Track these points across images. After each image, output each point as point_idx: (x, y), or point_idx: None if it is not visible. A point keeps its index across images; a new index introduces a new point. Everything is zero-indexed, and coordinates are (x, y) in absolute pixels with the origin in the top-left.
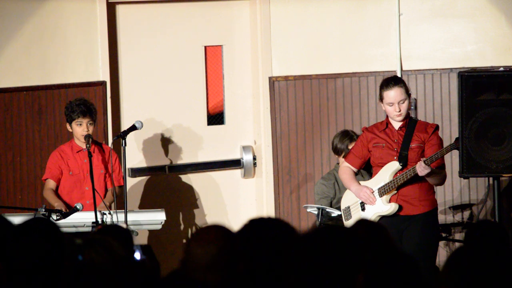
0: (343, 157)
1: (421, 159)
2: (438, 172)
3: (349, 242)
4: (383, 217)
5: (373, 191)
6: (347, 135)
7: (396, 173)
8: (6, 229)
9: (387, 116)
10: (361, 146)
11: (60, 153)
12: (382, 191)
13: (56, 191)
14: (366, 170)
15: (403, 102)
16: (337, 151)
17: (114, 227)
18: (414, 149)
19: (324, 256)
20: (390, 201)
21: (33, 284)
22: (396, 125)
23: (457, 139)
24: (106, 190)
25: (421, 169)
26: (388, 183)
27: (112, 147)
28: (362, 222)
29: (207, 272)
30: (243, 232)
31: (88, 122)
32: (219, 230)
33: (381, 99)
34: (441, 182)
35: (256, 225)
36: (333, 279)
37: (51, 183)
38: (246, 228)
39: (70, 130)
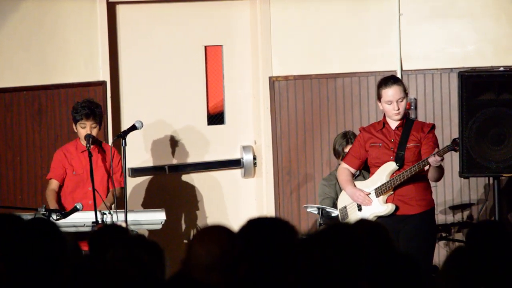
0: (341, 159)
1: (435, 151)
2: (440, 166)
3: (351, 243)
4: (379, 218)
5: (368, 194)
6: (345, 138)
7: (393, 174)
8: (9, 228)
9: (384, 116)
10: (358, 146)
11: (64, 153)
12: (379, 191)
13: (59, 191)
14: (367, 170)
15: (402, 101)
16: (335, 153)
17: (113, 226)
18: (411, 149)
19: (325, 256)
20: (386, 201)
21: (34, 284)
22: (393, 124)
23: (454, 140)
24: (109, 191)
25: (436, 160)
26: (385, 183)
27: (112, 147)
28: (362, 222)
29: (209, 273)
30: (242, 232)
31: (92, 124)
32: (221, 231)
33: (379, 97)
34: (441, 176)
35: (254, 225)
36: (334, 279)
37: (54, 184)
38: (245, 228)
39: (76, 131)
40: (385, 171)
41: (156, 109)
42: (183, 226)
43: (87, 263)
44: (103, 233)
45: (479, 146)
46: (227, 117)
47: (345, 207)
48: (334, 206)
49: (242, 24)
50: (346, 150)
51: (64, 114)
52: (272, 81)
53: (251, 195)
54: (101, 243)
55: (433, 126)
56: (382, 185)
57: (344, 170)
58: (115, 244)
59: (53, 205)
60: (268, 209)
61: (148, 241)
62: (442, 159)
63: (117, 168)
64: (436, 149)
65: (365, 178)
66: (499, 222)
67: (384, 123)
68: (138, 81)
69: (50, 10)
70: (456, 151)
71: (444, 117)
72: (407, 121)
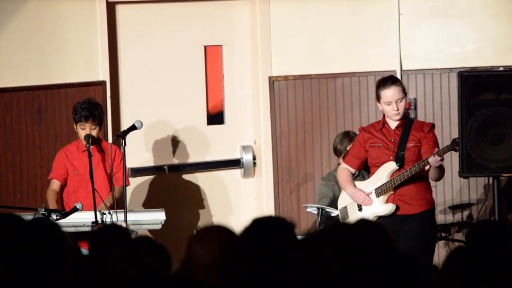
0: (342, 158)
1: (435, 150)
2: (441, 166)
3: (351, 243)
4: (380, 218)
5: (369, 194)
6: (347, 136)
7: (393, 174)
8: (9, 228)
9: (383, 116)
10: (358, 146)
11: (66, 153)
12: (379, 191)
13: (62, 191)
14: (367, 170)
15: (401, 101)
16: (336, 152)
17: (114, 226)
18: (411, 148)
19: (325, 256)
20: (387, 201)
21: (34, 284)
22: (393, 124)
23: (454, 140)
24: (112, 190)
25: (436, 160)
26: (385, 183)
27: (113, 145)
28: (362, 222)
29: (209, 272)
30: (247, 232)
31: (91, 126)
32: (221, 230)
33: (378, 98)
34: (442, 176)
35: (260, 225)
36: (334, 279)
37: (55, 184)
38: (250, 227)
39: (76, 131)
40: (385, 171)
41: (156, 109)
42: (183, 226)
43: (87, 263)
44: (103, 233)
45: (479, 146)
46: (227, 117)
47: (345, 207)
48: (332, 205)
49: (242, 24)
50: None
51: (64, 114)
52: (272, 81)
53: (251, 195)
54: (101, 243)
55: (432, 126)
56: (383, 185)
57: (344, 170)
58: (115, 244)
59: (52, 205)
60: (268, 209)
61: (154, 244)
62: (442, 159)
63: (120, 167)
64: (436, 149)
65: (364, 178)
66: (499, 222)
67: (384, 123)
68: (138, 81)
69: (50, 10)
70: (456, 151)
71: (444, 117)
72: (407, 121)
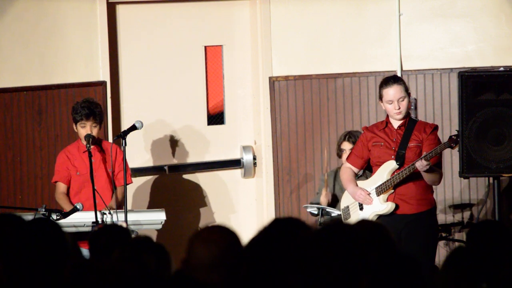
0: (337, 156)
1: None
2: (435, 170)
3: (352, 243)
4: (380, 216)
5: (369, 193)
6: (344, 135)
7: (393, 172)
8: (9, 228)
9: (387, 115)
10: (361, 145)
11: (66, 154)
12: (379, 190)
13: (67, 193)
14: (370, 170)
15: (403, 100)
16: (337, 153)
17: (114, 226)
18: (412, 148)
19: (325, 256)
20: (387, 200)
21: (34, 284)
22: (396, 124)
23: (451, 137)
24: (115, 188)
25: (422, 165)
26: (385, 182)
27: (114, 144)
28: (363, 222)
29: (209, 272)
30: (266, 231)
31: (92, 124)
32: (222, 230)
33: (381, 98)
34: (437, 181)
35: (280, 225)
36: (336, 279)
37: (61, 186)
38: (270, 227)
39: (76, 131)
40: (386, 170)
41: (156, 109)
42: (183, 226)
43: (87, 263)
44: (103, 233)
45: (479, 146)
46: (227, 117)
47: (347, 207)
48: (333, 198)
49: (242, 24)
50: (343, 146)
51: (64, 114)
52: (272, 81)
53: (251, 195)
54: (101, 243)
55: (435, 127)
56: (383, 183)
57: (347, 169)
58: (116, 244)
59: (68, 207)
60: (268, 209)
61: (154, 244)
62: (429, 164)
63: (122, 166)
64: (424, 153)
65: (368, 178)
66: (499, 222)
67: (387, 122)
68: (138, 81)
69: (50, 10)
70: (452, 148)
71: (444, 117)
72: (410, 121)
